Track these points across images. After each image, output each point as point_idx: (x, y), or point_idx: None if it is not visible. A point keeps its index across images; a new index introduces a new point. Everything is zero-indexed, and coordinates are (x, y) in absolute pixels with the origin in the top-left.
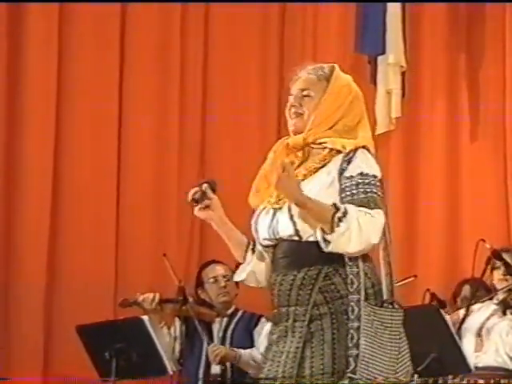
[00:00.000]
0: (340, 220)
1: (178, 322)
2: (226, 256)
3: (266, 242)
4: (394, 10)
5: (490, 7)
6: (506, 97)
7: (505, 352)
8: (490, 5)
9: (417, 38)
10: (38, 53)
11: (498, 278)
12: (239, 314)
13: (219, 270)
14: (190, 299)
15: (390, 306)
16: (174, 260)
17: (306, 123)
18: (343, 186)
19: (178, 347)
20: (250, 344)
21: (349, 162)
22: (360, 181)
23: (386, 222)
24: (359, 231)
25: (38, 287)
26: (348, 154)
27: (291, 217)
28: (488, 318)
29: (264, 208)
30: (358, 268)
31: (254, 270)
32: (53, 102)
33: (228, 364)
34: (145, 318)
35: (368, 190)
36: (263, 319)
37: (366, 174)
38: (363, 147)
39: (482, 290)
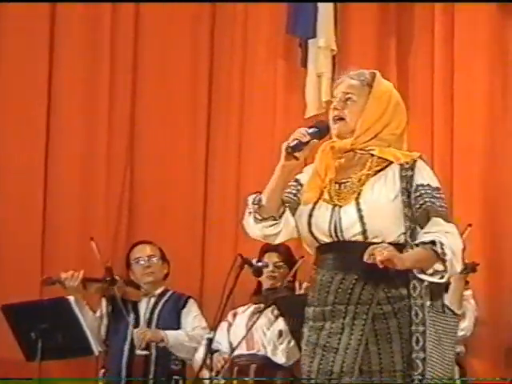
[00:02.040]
0: (444, 254)
1: (104, 302)
2: (154, 237)
3: (322, 238)
4: None
5: None
6: (434, 84)
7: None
8: None
9: (348, 23)
10: None
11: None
12: (168, 294)
13: (145, 250)
14: (118, 279)
15: (450, 312)
16: (102, 241)
17: (349, 128)
18: (417, 194)
19: (103, 327)
20: (177, 325)
21: (412, 173)
22: (429, 191)
23: None
24: (455, 252)
25: None
26: (408, 165)
27: (361, 217)
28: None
29: (317, 203)
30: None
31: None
32: None
33: (153, 344)
34: (71, 298)
35: (437, 203)
36: (191, 300)
37: (435, 188)
38: (420, 158)
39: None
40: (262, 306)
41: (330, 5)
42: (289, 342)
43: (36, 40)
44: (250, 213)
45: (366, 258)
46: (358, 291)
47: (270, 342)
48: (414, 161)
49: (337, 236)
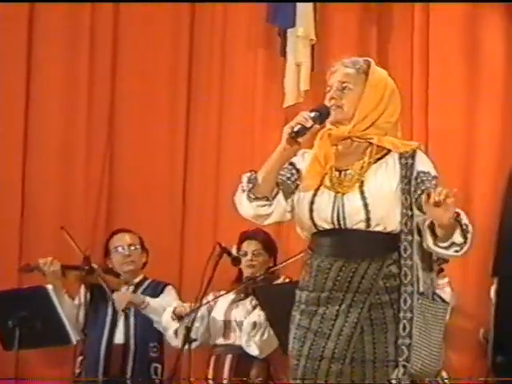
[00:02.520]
0: (467, 225)
1: (82, 290)
2: (133, 225)
3: (322, 224)
4: None
5: None
6: (414, 73)
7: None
8: None
9: (327, 12)
10: None
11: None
12: (146, 282)
13: (125, 238)
14: (96, 267)
15: (439, 300)
16: (81, 229)
17: (346, 115)
18: (419, 181)
19: (82, 316)
20: None
21: (412, 161)
22: (430, 179)
23: None
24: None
25: None
26: (408, 154)
27: (365, 205)
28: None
29: (318, 189)
30: (411, 261)
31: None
32: None
33: (132, 333)
34: (49, 286)
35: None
36: (169, 287)
37: (434, 176)
38: (418, 148)
39: None
40: (242, 295)
41: None
42: (262, 335)
43: (15, 38)
44: (244, 191)
45: (436, 198)
46: (358, 280)
47: (245, 333)
48: (414, 150)
49: (339, 223)
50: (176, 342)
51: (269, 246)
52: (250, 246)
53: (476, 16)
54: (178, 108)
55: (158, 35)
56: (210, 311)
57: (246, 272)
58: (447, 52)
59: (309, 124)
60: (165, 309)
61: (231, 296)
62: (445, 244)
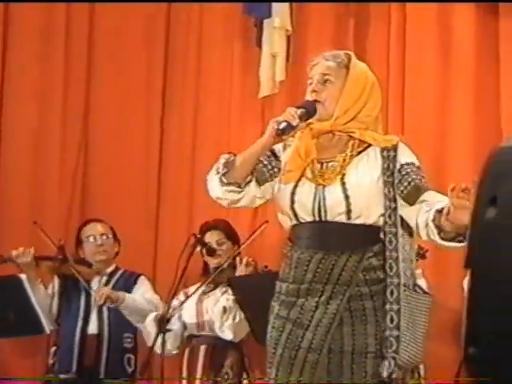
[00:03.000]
0: None
1: (56, 280)
2: (107, 215)
3: (303, 216)
4: None
5: None
6: (390, 65)
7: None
8: None
9: (304, 3)
10: None
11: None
12: (119, 272)
13: (97, 228)
14: (70, 257)
15: (421, 291)
16: (55, 219)
17: (328, 109)
18: (404, 173)
19: (55, 306)
20: None
21: (395, 154)
22: (414, 170)
23: None
24: None
25: None
26: (390, 148)
27: (347, 197)
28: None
29: (299, 180)
30: (397, 253)
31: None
32: None
33: (105, 323)
34: (22, 276)
35: (423, 180)
36: (142, 277)
37: (418, 167)
38: (400, 140)
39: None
40: (212, 286)
41: None
42: (234, 318)
43: None
44: (218, 173)
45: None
46: (338, 272)
47: (217, 319)
48: (396, 144)
49: (319, 215)
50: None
51: (231, 233)
52: (212, 236)
53: (450, 9)
54: (153, 99)
55: (133, 26)
56: (182, 309)
57: (212, 263)
58: (423, 45)
59: (295, 122)
60: (138, 304)
61: (202, 288)
62: (450, 236)
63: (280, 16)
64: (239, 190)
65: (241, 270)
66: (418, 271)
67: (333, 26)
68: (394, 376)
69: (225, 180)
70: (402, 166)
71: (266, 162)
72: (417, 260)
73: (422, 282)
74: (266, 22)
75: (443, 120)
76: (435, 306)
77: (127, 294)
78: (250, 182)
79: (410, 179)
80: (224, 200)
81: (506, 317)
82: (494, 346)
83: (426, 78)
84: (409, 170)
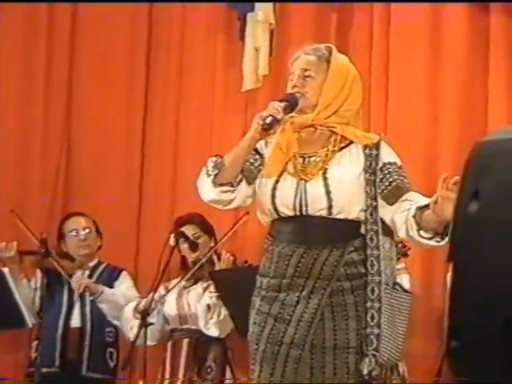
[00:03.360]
0: None
1: (39, 274)
2: (90, 209)
3: (284, 211)
4: None
5: None
6: (372, 59)
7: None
8: None
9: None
10: None
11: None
12: (102, 266)
13: (80, 222)
14: (53, 251)
15: (401, 289)
16: (37, 213)
17: (309, 103)
18: (386, 172)
19: (37, 299)
20: None
21: (377, 152)
22: (396, 169)
23: None
24: None
25: None
26: (372, 146)
27: (328, 192)
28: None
29: (281, 175)
30: (378, 251)
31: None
32: None
33: (88, 317)
34: (5, 269)
35: (405, 180)
36: (124, 272)
37: (400, 166)
38: (381, 139)
39: None
40: (193, 280)
41: None
42: (219, 315)
43: None
44: (210, 175)
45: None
46: (319, 266)
47: (201, 317)
48: (378, 142)
49: (300, 210)
50: (131, 334)
51: (206, 227)
52: (188, 231)
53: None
54: (136, 92)
55: (116, 19)
56: (163, 303)
57: (190, 257)
58: (408, 37)
59: (280, 116)
60: (117, 299)
61: (182, 283)
62: (428, 235)
63: (263, 10)
64: (232, 189)
65: (220, 266)
66: (401, 265)
67: (316, 19)
68: (373, 373)
69: (217, 181)
70: (384, 164)
71: (252, 161)
72: (398, 258)
73: (405, 277)
74: (249, 15)
75: (429, 116)
76: (419, 301)
77: (107, 288)
78: (241, 181)
79: (391, 179)
80: (218, 202)
81: (487, 310)
82: (476, 340)
83: (411, 72)
84: (391, 170)
